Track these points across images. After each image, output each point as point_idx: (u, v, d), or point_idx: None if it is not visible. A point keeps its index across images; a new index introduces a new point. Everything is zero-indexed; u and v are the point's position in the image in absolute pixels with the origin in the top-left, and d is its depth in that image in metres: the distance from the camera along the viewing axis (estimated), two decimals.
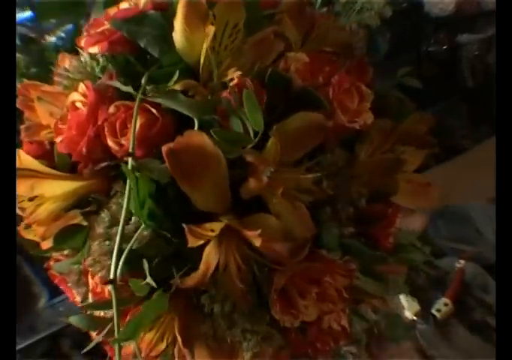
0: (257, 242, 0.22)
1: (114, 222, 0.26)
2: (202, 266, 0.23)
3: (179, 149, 0.22)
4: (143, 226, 0.24)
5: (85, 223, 0.30)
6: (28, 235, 0.33)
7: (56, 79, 0.31)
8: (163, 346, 0.28)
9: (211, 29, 0.27)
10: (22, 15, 0.54)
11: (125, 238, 0.25)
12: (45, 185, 0.28)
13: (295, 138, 0.26)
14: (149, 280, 0.23)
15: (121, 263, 0.24)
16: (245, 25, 0.30)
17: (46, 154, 0.34)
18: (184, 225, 0.22)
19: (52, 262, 0.36)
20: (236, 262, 0.25)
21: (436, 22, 1.26)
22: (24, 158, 0.28)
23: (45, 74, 0.36)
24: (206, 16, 0.28)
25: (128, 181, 0.23)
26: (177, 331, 0.27)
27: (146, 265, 0.23)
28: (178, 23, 0.29)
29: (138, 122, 0.26)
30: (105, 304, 0.23)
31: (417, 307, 0.79)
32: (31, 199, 0.29)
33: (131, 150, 0.24)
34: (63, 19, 0.53)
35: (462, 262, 0.86)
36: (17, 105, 0.34)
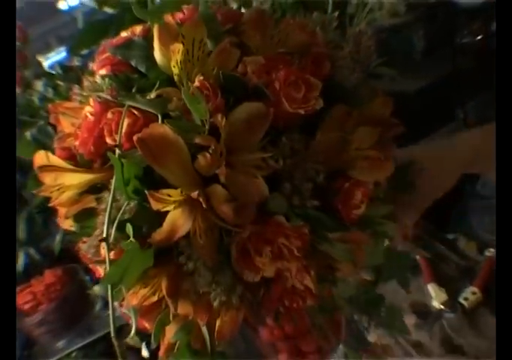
0: (203, 204, 0.29)
1: (113, 199, 0.34)
2: (165, 225, 0.30)
3: (145, 138, 0.29)
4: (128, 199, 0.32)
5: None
6: (64, 225, 0.43)
7: (74, 97, 0.41)
8: (154, 298, 0.35)
9: (176, 47, 0.34)
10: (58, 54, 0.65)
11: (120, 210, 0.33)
12: (65, 177, 0.37)
13: (244, 125, 0.32)
14: (132, 239, 0.30)
15: (114, 228, 0.31)
16: (210, 38, 0.37)
17: (72, 156, 0.43)
18: (146, 191, 0.29)
19: (81, 244, 0.45)
20: (199, 227, 0.31)
21: (469, 12, 1.23)
22: (51, 158, 0.38)
23: None
24: (176, 36, 0.36)
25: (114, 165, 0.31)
26: (164, 288, 0.34)
27: (130, 228, 0.31)
28: (155, 44, 0.36)
29: (126, 122, 0.34)
30: (101, 262, 0.31)
31: (444, 296, 0.78)
32: (58, 189, 0.39)
33: (117, 142, 0.32)
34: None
35: (492, 250, 0.84)
36: (50, 121, 0.45)
